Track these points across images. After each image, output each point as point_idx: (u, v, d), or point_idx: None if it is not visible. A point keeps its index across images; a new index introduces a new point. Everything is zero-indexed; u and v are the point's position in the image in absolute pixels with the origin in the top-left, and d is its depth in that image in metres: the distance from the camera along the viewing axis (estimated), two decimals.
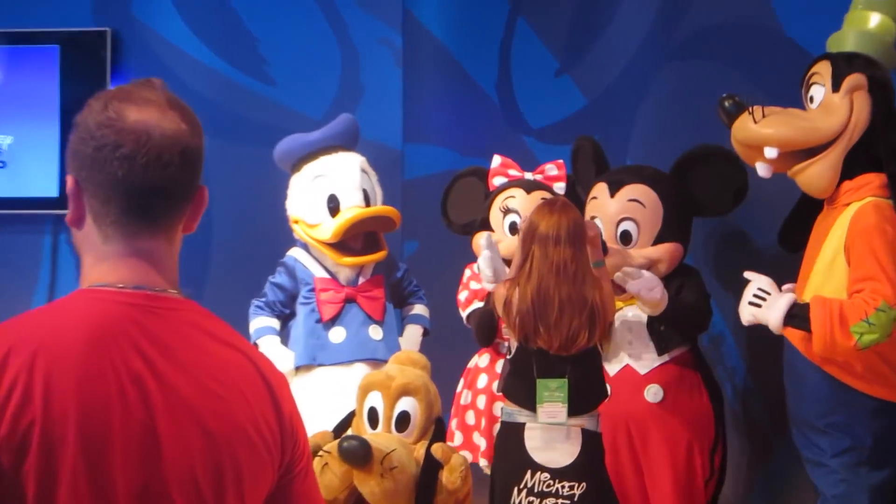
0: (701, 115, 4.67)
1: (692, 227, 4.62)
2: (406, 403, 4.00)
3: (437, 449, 3.94)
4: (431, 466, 3.90)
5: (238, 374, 1.99)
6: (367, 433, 3.95)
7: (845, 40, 4.13)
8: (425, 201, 5.25)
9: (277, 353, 4.67)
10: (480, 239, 4.52)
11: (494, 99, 5.43)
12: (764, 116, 4.00)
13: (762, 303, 3.89)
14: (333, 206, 4.73)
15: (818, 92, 4.04)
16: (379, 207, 4.77)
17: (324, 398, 4.60)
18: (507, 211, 4.72)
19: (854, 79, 3.97)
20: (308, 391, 4.64)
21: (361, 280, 4.80)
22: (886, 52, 4.15)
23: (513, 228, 4.69)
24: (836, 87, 3.98)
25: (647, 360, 4.46)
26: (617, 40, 5.24)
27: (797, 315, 3.82)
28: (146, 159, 1.96)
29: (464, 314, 4.78)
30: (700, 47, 5.05)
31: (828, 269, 3.90)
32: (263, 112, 5.55)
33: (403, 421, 4.00)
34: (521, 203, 4.71)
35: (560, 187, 4.79)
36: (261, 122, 5.52)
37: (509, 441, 3.97)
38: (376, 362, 4.64)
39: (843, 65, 4.01)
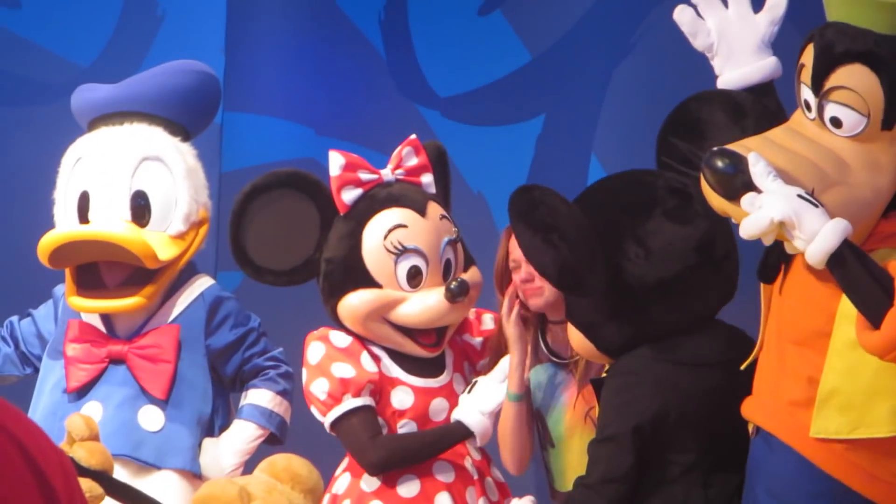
0: (708, 79, 3.99)
1: None
2: None
3: None
4: None
5: None
6: None
7: None
8: None
9: None
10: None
11: (379, 49, 5.17)
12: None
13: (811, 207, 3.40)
14: (84, 209, 4.29)
15: (849, 118, 3.48)
16: (98, 231, 4.23)
17: None
18: (400, 251, 4.04)
19: None
20: None
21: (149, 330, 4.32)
22: None
23: (414, 276, 4.03)
24: (888, 121, 3.40)
25: None
26: None
27: (856, 260, 3.32)
28: None
29: (328, 418, 4.04)
30: None
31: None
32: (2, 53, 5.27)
33: None
34: (420, 235, 4.06)
35: (429, 182, 4.21)
36: None
37: None
38: (142, 466, 4.14)
39: None
